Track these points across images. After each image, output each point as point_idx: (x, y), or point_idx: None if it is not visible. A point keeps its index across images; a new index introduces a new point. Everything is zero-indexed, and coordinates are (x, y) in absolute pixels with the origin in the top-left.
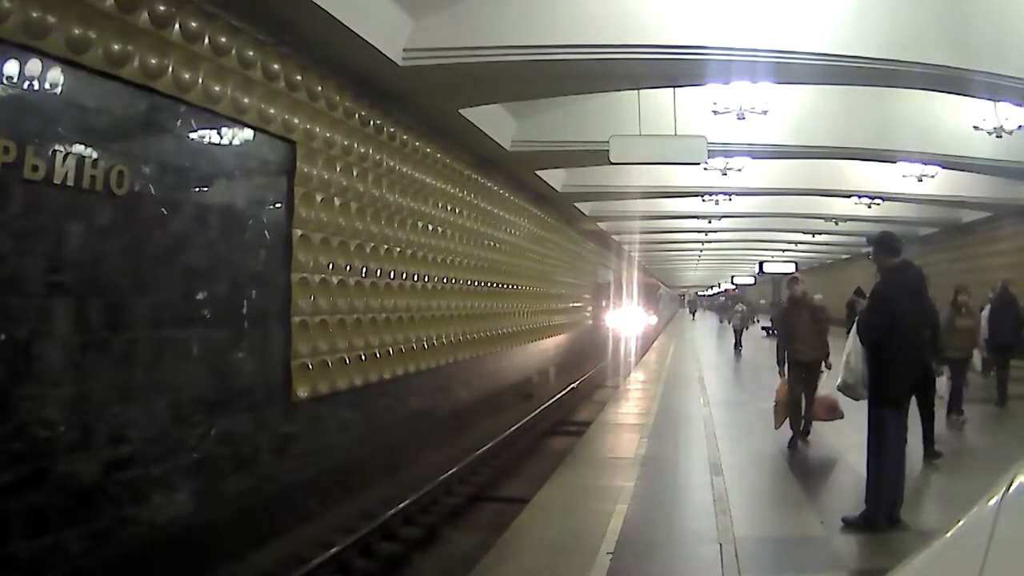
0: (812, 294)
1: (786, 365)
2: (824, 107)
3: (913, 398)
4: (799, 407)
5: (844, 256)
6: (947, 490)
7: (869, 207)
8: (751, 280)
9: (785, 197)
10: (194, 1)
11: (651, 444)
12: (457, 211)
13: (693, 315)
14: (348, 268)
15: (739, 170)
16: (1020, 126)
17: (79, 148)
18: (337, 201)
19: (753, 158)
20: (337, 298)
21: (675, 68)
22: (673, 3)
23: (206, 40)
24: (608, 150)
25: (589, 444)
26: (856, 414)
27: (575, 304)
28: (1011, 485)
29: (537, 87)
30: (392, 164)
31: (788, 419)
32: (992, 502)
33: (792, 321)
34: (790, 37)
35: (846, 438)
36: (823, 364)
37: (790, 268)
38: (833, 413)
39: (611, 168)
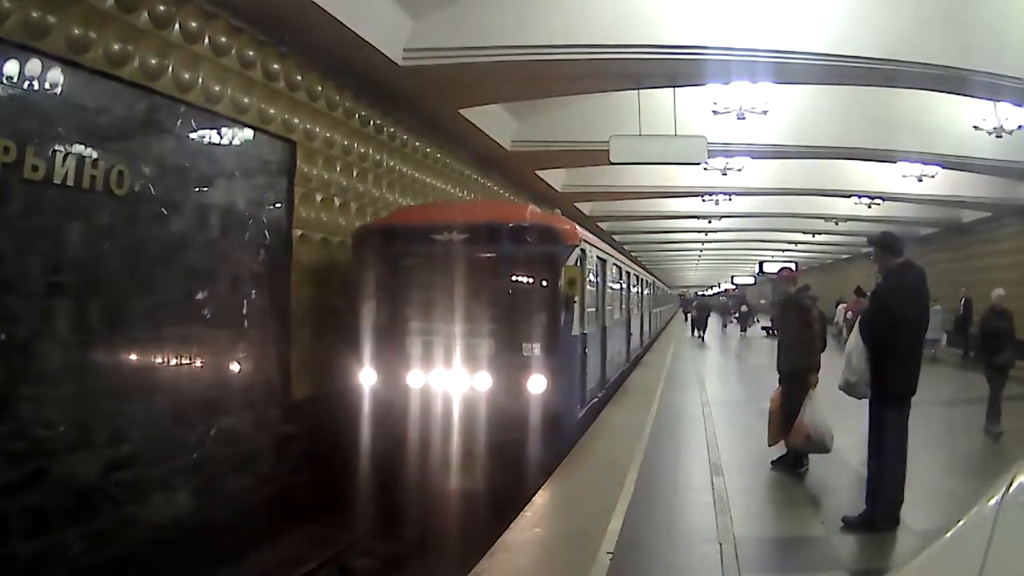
0: (808, 290)
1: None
2: (824, 107)
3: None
4: (787, 423)
5: (844, 256)
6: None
7: (869, 207)
8: (751, 280)
9: (785, 197)
10: (194, 1)
11: None
12: None
13: (687, 317)
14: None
15: (739, 170)
16: (1020, 126)
17: (79, 148)
18: (337, 201)
19: (753, 158)
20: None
21: (675, 68)
22: (673, 3)
23: (206, 40)
24: (608, 150)
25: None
26: (855, 414)
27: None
28: (1011, 485)
29: (537, 87)
30: (392, 164)
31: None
32: (992, 502)
33: (783, 324)
34: (790, 37)
35: (846, 438)
36: (809, 378)
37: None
38: (807, 443)
39: (611, 168)
